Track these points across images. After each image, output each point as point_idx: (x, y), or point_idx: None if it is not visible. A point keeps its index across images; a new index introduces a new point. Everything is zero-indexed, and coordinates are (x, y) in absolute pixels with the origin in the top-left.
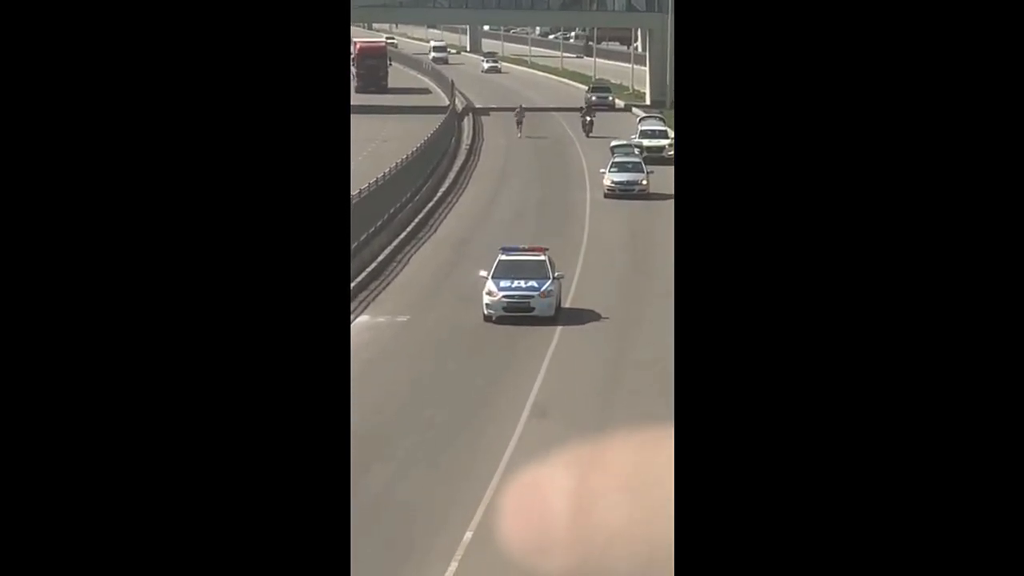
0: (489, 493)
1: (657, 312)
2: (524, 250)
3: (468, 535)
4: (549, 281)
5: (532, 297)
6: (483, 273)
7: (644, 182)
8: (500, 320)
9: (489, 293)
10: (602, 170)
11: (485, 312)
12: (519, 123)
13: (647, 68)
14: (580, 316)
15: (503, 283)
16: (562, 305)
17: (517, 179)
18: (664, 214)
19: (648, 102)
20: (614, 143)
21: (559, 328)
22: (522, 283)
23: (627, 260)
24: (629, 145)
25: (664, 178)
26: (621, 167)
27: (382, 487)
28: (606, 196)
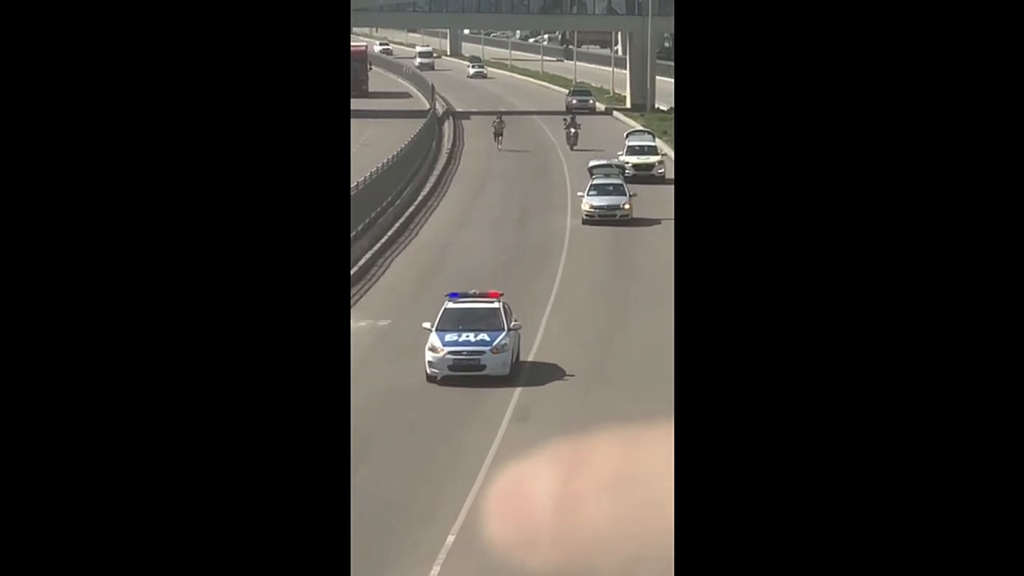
0: (471, 496)
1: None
2: (474, 296)
3: (451, 538)
4: (503, 334)
5: (483, 353)
6: (426, 325)
7: (627, 206)
8: (446, 381)
9: (432, 349)
10: (580, 193)
11: (428, 372)
12: (498, 135)
13: (627, 71)
14: (542, 374)
15: (449, 337)
16: (525, 358)
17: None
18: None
19: (628, 105)
20: (593, 163)
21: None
22: (471, 336)
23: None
24: (609, 165)
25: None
26: (601, 190)
27: (364, 490)
28: (584, 222)
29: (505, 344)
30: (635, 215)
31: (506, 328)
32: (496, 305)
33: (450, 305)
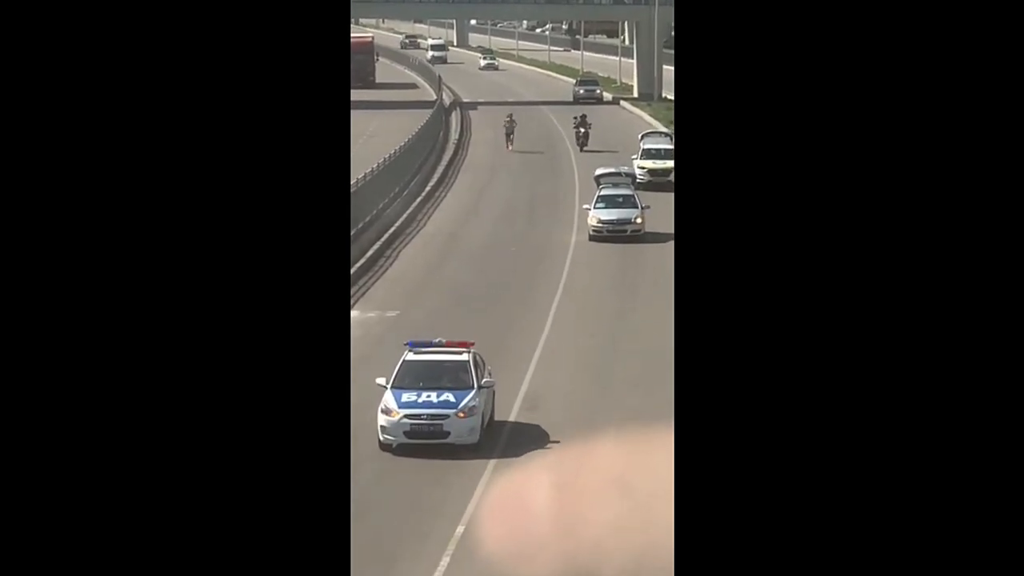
0: (480, 488)
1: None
2: (439, 346)
3: (460, 529)
4: (471, 393)
5: (446, 417)
6: (380, 381)
7: (638, 220)
8: (402, 450)
9: (385, 411)
10: (586, 206)
11: (381, 438)
12: (509, 135)
13: (634, 61)
14: (520, 439)
15: (406, 396)
16: (505, 418)
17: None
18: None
19: (636, 94)
20: (600, 171)
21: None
22: (433, 396)
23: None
24: (618, 173)
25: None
26: (609, 202)
27: (372, 483)
28: (591, 238)
29: (473, 406)
30: (648, 229)
31: (475, 386)
32: (464, 357)
33: (410, 357)
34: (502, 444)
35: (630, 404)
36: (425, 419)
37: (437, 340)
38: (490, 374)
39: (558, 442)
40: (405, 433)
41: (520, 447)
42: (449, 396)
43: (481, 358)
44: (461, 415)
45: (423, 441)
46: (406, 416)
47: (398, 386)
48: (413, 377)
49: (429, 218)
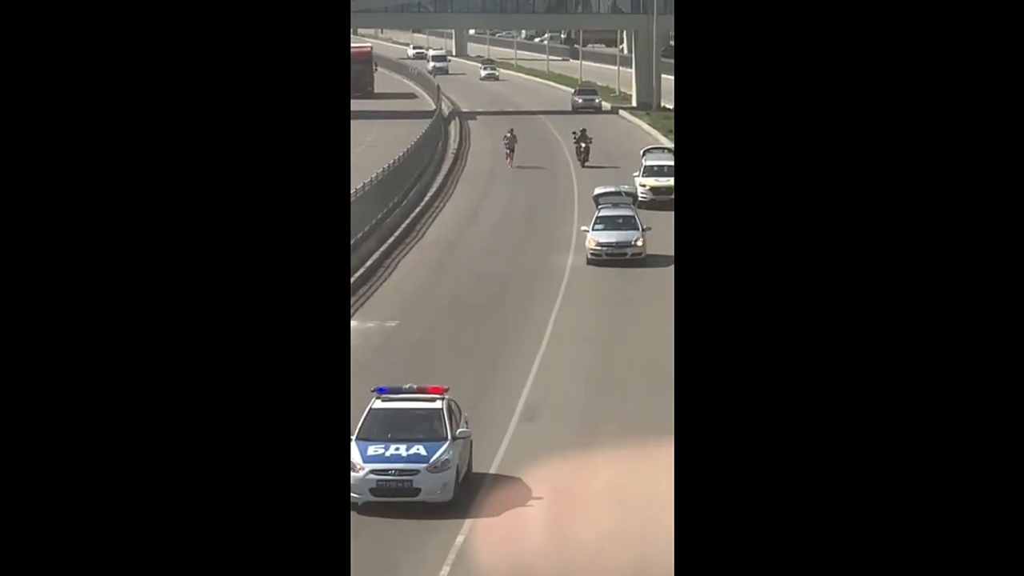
0: (480, 497)
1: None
2: (409, 393)
3: (460, 539)
4: (445, 445)
5: (416, 473)
6: None
7: (639, 242)
8: (368, 509)
9: (351, 466)
10: (584, 228)
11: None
12: (509, 151)
13: (633, 70)
14: (499, 498)
15: (372, 449)
16: (486, 470)
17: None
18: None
19: (634, 104)
20: (599, 190)
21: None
22: (402, 449)
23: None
24: (618, 193)
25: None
26: (609, 223)
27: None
28: (589, 262)
29: (447, 460)
30: (650, 252)
31: (449, 437)
32: (438, 405)
33: (377, 404)
34: (479, 501)
35: (629, 408)
36: (393, 474)
37: (408, 386)
38: (466, 423)
39: (541, 498)
40: (371, 490)
41: (499, 505)
42: (420, 449)
43: (457, 405)
44: (433, 469)
45: (391, 499)
46: (372, 471)
47: (364, 437)
48: (381, 427)
49: (429, 227)
